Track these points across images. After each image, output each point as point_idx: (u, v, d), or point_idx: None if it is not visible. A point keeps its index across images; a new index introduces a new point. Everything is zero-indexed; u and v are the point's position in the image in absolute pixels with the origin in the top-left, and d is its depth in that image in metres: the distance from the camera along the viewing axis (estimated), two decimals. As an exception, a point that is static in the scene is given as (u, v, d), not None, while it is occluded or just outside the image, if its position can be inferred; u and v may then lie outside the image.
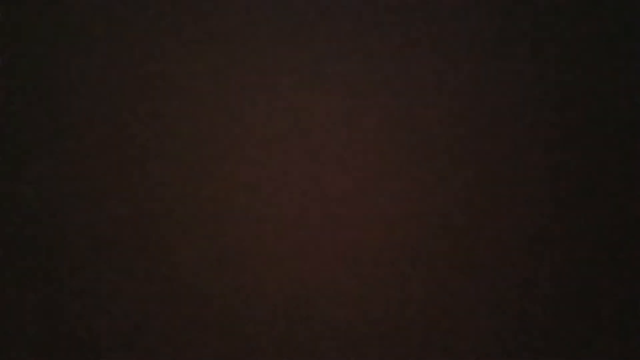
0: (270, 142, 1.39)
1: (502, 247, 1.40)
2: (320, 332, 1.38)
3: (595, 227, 1.41)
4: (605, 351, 1.40)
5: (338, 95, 1.40)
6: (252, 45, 1.40)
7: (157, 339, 1.37)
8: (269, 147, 1.39)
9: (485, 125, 1.41)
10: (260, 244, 1.38)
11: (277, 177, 1.39)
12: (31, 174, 1.37)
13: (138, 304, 1.37)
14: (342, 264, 1.38)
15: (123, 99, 1.38)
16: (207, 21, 1.39)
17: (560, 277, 1.40)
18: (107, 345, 1.36)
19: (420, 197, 1.39)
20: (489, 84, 1.41)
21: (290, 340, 1.38)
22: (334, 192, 1.39)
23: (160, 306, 1.37)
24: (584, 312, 1.40)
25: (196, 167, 1.38)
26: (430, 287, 1.39)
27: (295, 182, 1.39)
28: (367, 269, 1.39)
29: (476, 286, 1.39)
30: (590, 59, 1.42)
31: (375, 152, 1.40)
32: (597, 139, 1.41)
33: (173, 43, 1.39)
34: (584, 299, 1.40)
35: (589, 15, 1.42)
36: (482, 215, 1.40)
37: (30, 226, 1.37)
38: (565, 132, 1.41)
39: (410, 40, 1.41)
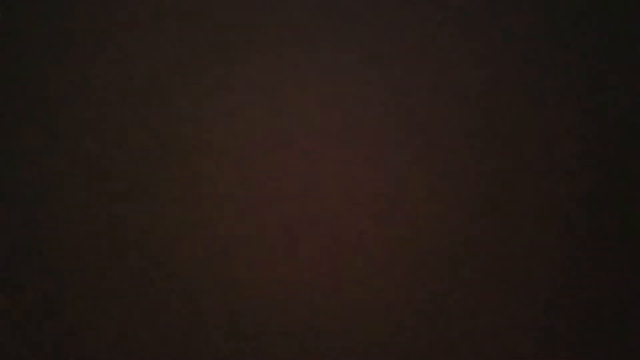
0: (270, 142, 1.39)
1: (502, 247, 1.40)
2: (320, 331, 1.38)
3: (596, 227, 1.41)
4: (605, 351, 1.40)
5: (338, 95, 1.40)
6: (252, 46, 1.40)
7: (157, 339, 1.37)
8: (269, 147, 1.39)
9: (486, 125, 1.41)
10: (260, 244, 1.38)
11: (277, 176, 1.39)
12: (31, 173, 1.37)
13: (138, 304, 1.37)
14: (343, 263, 1.39)
15: (123, 99, 1.38)
16: (207, 22, 1.40)
17: (560, 277, 1.40)
18: (107, 345, 1.36)
19: (421, 197, 1.40)
20: (490, 84, 1.41)
21: (289, 340, 1.38)
22: (334, 192, 1.39)
23: (159, 306, 1.37)
24: (584, 312, 1.40)
25: (195, 167, 1.38)
26: (430, 287, 1.39)
27: (296, 182, 1.39)
28: (367, 268, 1.39)
29: (476, 286, 1.39)
30: (590, 59, 1.42)
31: (375, 152, 1.40)
32: (597, 139, 1.41)
33: (173, 43, 1.39)
34: (585, 298, 1.40)
35: (589, 15, 1.42)
36: (482, 215, 1.40)
37: (30, 226, 1.37)
38: (565, 132, 1.41)
39: (410, 40, 1.41)
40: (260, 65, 1.39)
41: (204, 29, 1.39)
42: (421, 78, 1.41)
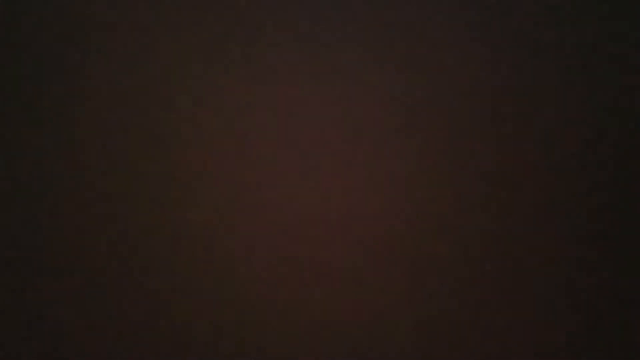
0: (270, 142, 1.39)
1: (502, 247, 1.40)
2: (321, 332, 1.38)
3: (596, 227, 1.41)
4: (605, 351, 1.40)
5: (338, 95, 1.40)
6: (251, 46, 1.40)
7: (157, 339, 1.37)
8: (269, 147, 1.39)
9: (486, 126, 1.41)
10: (260, 244, 1.38)
11: (276, 177, 1.39)
12: (30, 172, 1.37)
13: (137, 304, 1.37)
14: (342, 263, 1.39)
15: (122, 100, 1.38)
16: (208, 22, 1.40)
17: (561, 277, 1.40)
18: (107, 345, 1.36)
19: (421, 197, 1.40)
20: (491, 85, 1.41)
21: (290, 340, 1.38)
22: (334, 192, 1.39)
23: (159, 306, 1.37)
24: (585, 312, 1.40)
25: (195, 167, 1.38)
26: (430, 287, 1.39)
27: (295, 182, 1.39)
28: (367, 268, 1.39)
29: (476, 286, 1.39)
30: (591, 58, 1.42)
31: (375, 152, 1.40)
32: (597, 139, 1.41)
33: (172, 43, 1.39)
34: (585, 298, 1.40)
35: (589, 15, 1.42)
36: (483, 214, 1.40)
37: (28, 225, 1.37)
38: (566, 132, 1.41)
39: (410, 40, 1.41)
40: (260, 66, 1.39)
41: (204, 29, 1.39)
42: (421, 78, 1.41)
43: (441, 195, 1.40)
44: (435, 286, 1.39)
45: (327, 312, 1.38)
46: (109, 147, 1.38)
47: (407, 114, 1.40)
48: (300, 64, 1.40)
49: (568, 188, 1.41)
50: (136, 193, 1.37)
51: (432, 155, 1.40)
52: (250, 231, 1.38)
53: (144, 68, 1.39)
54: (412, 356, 1.38)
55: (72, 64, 1.38)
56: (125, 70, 1.39)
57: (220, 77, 1.39)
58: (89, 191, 1.37)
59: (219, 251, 1.38)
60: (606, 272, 1.40)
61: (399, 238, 1.39)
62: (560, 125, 1.41)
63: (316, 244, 1.38)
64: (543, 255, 1.40)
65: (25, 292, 1.36)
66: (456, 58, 1.41)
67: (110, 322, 1.36)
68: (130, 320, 1.37)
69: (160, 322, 1.37)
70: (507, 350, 1.39)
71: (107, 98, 1.38)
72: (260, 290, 1.38)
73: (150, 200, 1.37)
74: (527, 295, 1.39)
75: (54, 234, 1.37)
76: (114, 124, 1.38)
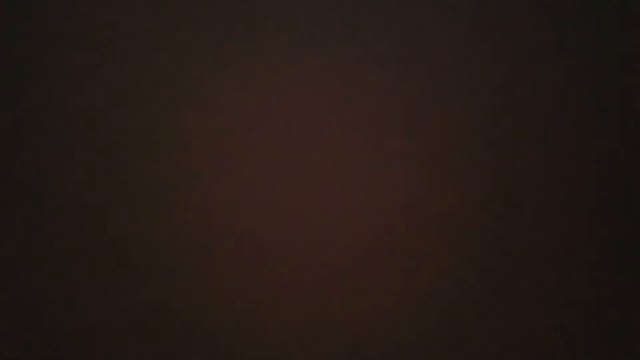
0: (269, 142, 1.39)
1: (502, 246, 1.40)
2: (320, 332, 1.38)
3: (597, 226, 1.41)
4: (605, 351, 1.40)
5: (338, 95, 1.40)
6: (251, 46, 1.40)
7: (157, 340, 1.37)
8: (269, 147, 1.39)
9: (486, 126, 1.41)
10: (260, 244, 1.38)
11: (276, 177, 1.39)
12: (30, 172, 1.37)
13: (137, 304, 1.37)
14: (342, 263, 1.39)
15: (122, 99, 1.38)
16: (208, 22, 1.40)
17: (560, 277, 1.40)
18: (106, 345, 1.36)
19: (421, 197, 1.40)
20: (492, 85, 1.41)
21: (289, 340, 1.38)
22: (334, 192, 1.39)
23: (158, 306, 1.37)
24: (585, 312, 1.40)
25: (195, 167, 1.38)
26: (430, 287, 1.39)
27: (295, 182, 1.39)
28: (367, 268, 1.39)
29: (476, 286, 1.39)
30: (591, 58, 1.42)
31: (375, 152, 1.40)
32: (597, 139, 1.41)
33: (172, 43, 1.39)
34: (586, 298, 1.40)
35: (590, 15, 1.42)
36: (483, 214, 1.40)
37: (25, 224, 1.37)
38: (566, 132, 1.41)
39: (410, 39, 1.41)
40: (260, 66, 1.39)
41: (204, 29, 1.39)
42: (421, 78, 1.41)
43: (441, 195, 1.40)
44: (434, 286, 1.39)
45: (327, 312, 1.38)
46: (109, 147, 1.38)
47: (407, 113, 1.40)
48: (300, 64, 1.40)
49: (568, 188, 1.41)
50: (136, 193, 1.37)
51: (432, 155, 1.40)
52: (250, 231, 1.38)
53: (144, 67, 1.39)
54: (412, 356, 1.38)
55: (72, 64, 1.38)
56: (126, 70, 1.39)
57: (220, 76, 1.39)
58: (88, 191, 1.37)
59: (218, 251, 1.38)
60: (606, 272, 1.40)
61: (399, 238, 1.39)
62: (560, 125, 1.41)
63: (316, 244, 1.38)
64: (543, 255, 1.40)
65: (25, 292, 1.36)
66: (456, 58, 1.41)
67: (110, 322, 1.36)
68: (129, 320, 1.37)
69: (160, 322, 1.37)
70: (507, 350, 1.39)
71: (107, 98, 1.38)
72: (260, 290, 1.38)
73: (150, 200, 1.37)
74: (527, 295, 1.39)
75: (54, 234, 1.37)
76: (114, 123, 1.38)
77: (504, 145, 1.40)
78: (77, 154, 1.37)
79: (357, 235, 1.39)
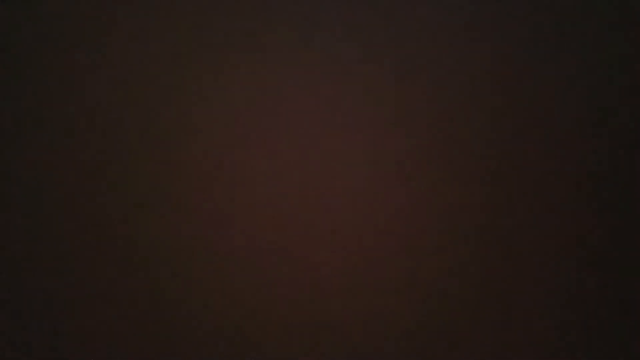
0: (269, 142, 1.39)
1: (503, 247, 1.40)
2: (321, 332, 1.38)
3: (597, 227, 1.41)
4: (605, 351, 1.40)
5: (338, 95, 1.40)
6: (251, 45, 1.40)
7: (156, 339, 1.37)
8: (269, 147, 1.39)
9: (486, 126, 1.41)
10: (260, 244, 1.38)
11: (276, 177, 1.39)
12: (30, 172, 1.37)
13: (136, 303, 1.37)
14: (342, 263, 1.39)
15: (122, 99, 1.38)
16: (208, 21, 1.40)
17: (561, 277, 1.40)
18: (106, 346, 1.36)
19: (422, 197, 1.40)
20: (492, 85, 1.41)
21: (289, 340, 1.38)
22: (334, 192, 1.39)
23: (158, 306, 1.37)
24: (586, 312, 1.40)
25: (195, 167, 1.38)
26: (430, 286, 1.39)
27: (295, 182, 1.39)
28: (367, 268, 1.39)
29: (476, 286, 1.39)
30: (591, 58, 1.42)
31: (375, 152, 1.40)
32: (598, 139, 1.41)
33: (172, 43, 1.39)
34: (586, 298, 1.40)
35: (589, 15, 1.42)
36: (483, 214, 1.40)
37: (26, 224, 1.37)
38: (566, 132, 1.41)
39: (410, 39, 1.41)
40: (260, 65, 1.39)
41: (204, 28, 1.39)
42: (421, 78, 1.41)
43: (441, 195, 1.40)
44: (435, 286, 1.39)
45: (327, 312, 1.38)
46: (110, 147, 1.38)
47: (407, 113, 1.40)
48: (299, 64, 1.40)
49: (568, 188, 1.41)
50: (136, 193, 1.37)
51: (432, 155, 1.40)
52: (249, 231, 1.38)
53: (144, 67, 1.39)
54: (412, 356, 1.38)
55: (72, 64, 1.38)
56: (126, 70, 1.39)
57: (220, 76, 1.39)
58: (88, 191, 1.37)
59: (218, 251, 1.38)
60: (606, 272, 1.40)
61: (399, 238, 1.39)
62: (560, 125, 1.41)
63: (316, 243, 1.38)
64: (543, 255, 1.40)
65: (25, 292, 1.36)
66: (456, 58, 1.41)
67: (110, 322, 1.36)
68: (130, 320, 1.37)
69: (160, 322, 1.37)
70: (507, 350, 1.39)
71: (108, 98, 1.38)
72: (260, 290, 1.38)
73: (151, 200, 1.37)
74: (527, 295, 1.39)
75: (54, 234, 1.37)
76: (115, 123, 1.38)
77: (504, 145, 1.40)
78: (77, 154, 1.37)
79: (357, 235, 1.39)
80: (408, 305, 1.39)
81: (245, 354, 1.37)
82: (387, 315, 1.38)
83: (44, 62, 1.38)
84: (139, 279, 1.37)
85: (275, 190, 1.38)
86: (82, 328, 1.36)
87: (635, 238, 1.40)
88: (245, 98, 1.39)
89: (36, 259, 1.36)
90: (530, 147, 1.41)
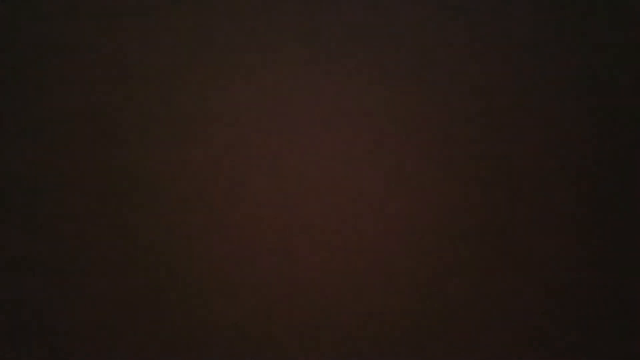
0: (270, 142, 1.39)
1: (503, 246, 1.40)
2: (320, 332, 1.38)
3: (596, 226, 1.41)
4: (605, 351, 1.40)
5: (338, 95, 1.40)
6: (251, 45, 1.40)
7: (156, 340, 1.37)
8: (269, 147, 1.39)
9: (486, 126, 1.41)
10: (260, 245, 1.38)
11: (277, 177, 1.39)
12: (30, 172, 1.37)
13: (136, 303, 1.37)
14: (342, 263, 1.39)
15: (122, 98, 1.38)
16: (208, 21, 1.40)
17: (560, 277, 1.40)
18: (106, 346, 1.36)
19: (421, 197, 1.40)
20: (492, 85, 1.41)
21: (289, 340, 1.38)
22: (334, 192, 1.39)
23: (157, 306, 1.37)
24: (586, 312, 1.40)
25: (195, 167, 1.38)
26: (430, 286, 1.39)
27: (295, 182, 1.39)
28: (366, 268, 1.39)
29: (476, 286, 1.39)
30: (591, 58, 1.42)
31: (375, 152, 1.40)
32: (598, 139, 1.41)
33: (172, 43, 1.39)
34: (586, 298, 1.40)
35: (590, 15, 1.42)
36: (483, 213, 1.40)
37: (28, 225, 1.37)
38: (566, 132, 1.41)
39: (410, 39, 1.41)
40: (261, 65, 1.39)
41: (204, 28, 1.39)
42: (421, 78, 1.41)
43: (441, 195, 1.40)
44: (435, 286, 1.39)
45: (327, 312, 1.38)
46: (110, 147, 1.38)
47: (407, 113, 1.40)
48: (299, 64, 1.40)
49: (568, 188, 1.41)
50: (137, 193, 1.37)
51: (432, 154, 1.40)
52: (249, 231, 1.38)
53: (144, 67, 1.39)
54: (412, 356, 1.38)
55: (72, 64, 1.38)
56: (126, 70, 1.39)
57: (220, 76, 1.39)
58: (88, 191, 1.37)
59: (218, 251, 1.38)
60: (606, 272, 1.40)
61: (399, 238, 1.39)
62: (560, 124, 1.41)
63: (317, 243, 1.38)
64: (543, 255, 1.40)
65: (25, 292, 1.36)
66: (456, 58, 1.41)
67: (110, 322, 1.36)
68: (130, 320, 1.37)
69: (160, 322, 1.37)
70: (507, 350, 1.39)
71: (108, 97, 1.38)
72: (260, 290, 1.38)
73: (151, 200, 1.37)
74: (527, 295, 1.39)
75: (54, 234, 1.37)
76: (115, 123, 1.38)
77: (504, 145, 1.40)
78: (78, 153, 1.37)
79: (357, 235, 1.39)
80: (408, 305, 1.39)
81: (246, 353, 1.37)
82: (387, 315, 1.38)
83: (44, 62, 1.38)
84: (138, 279, 1.37)
85: (276, 190, 1.38)
86: (82, 328, 1.36)
87: (635, 238, 1.40)
88: (245, 98, 1.39)
89: (36, 259, 1.36)
90: (530, 147, 1.41)
